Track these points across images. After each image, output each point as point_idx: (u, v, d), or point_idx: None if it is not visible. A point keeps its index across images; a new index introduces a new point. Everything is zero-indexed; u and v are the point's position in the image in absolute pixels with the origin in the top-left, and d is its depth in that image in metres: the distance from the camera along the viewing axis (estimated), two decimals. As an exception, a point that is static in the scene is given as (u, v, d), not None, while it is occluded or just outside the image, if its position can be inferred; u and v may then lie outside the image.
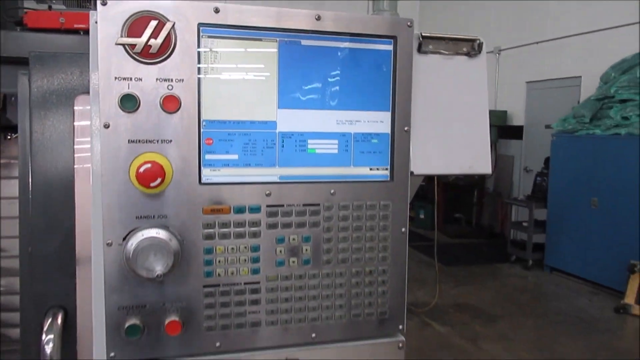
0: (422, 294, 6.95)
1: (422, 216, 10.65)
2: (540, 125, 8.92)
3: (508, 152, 9.88)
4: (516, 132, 9.61)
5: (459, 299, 6.88)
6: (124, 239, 1.09)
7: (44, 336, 1.35)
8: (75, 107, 1.37)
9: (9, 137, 2.40)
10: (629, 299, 6.34)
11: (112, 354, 1.11)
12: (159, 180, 1.06)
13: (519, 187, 9.66)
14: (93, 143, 1.12)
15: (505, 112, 9.68)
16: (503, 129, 9.64)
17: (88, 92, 1.27)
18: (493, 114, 9.50)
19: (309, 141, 1.20)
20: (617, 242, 6.82)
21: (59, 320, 1.37)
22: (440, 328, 5.92)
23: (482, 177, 10.24)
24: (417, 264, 8.40)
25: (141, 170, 1.05)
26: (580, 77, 8.22)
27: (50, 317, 1.37)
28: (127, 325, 1.10)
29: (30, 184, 1.43)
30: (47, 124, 1.35)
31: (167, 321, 1.13)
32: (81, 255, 1.37)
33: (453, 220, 10.51)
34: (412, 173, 1.28)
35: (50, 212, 1.41)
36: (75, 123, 1.28)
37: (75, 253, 1.38)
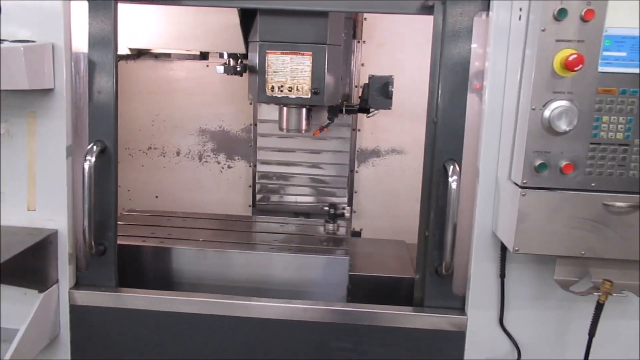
0: None
1: None
2: None
3: None
4: None
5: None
6: (543, 105, 1.68)
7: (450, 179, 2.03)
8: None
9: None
10: None
11: (524, 181, 1.73)
12: (580, 66, 1.61)
13: None
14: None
15: None
16: None
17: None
18: None
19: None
20: None
21: (456, 167, 2.03)
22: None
23: None
24: None
25: (570, 58, 1.61)
26: None
27: (450, 165, 2.04)
28: (538, 163, 1.71)
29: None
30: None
31: (563, 164, 1.70)
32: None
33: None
34: None
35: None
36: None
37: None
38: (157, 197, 3.66)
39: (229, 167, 3.60)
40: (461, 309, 2.14)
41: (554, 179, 1.73)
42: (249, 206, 3.61)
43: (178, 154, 3.60)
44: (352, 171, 3.49)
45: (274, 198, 3.47)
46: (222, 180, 3.62)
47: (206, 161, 3.60)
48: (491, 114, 1.96)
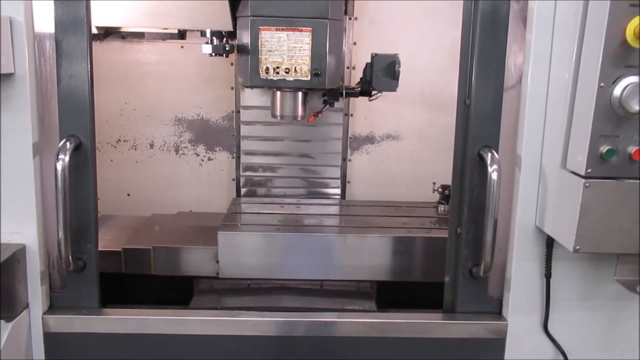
0: None
1: None
2: None
3: None
4: None
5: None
6: (613, 82, 1.44)
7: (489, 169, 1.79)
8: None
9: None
10: None
11: (589, 170, 1.50)
12: (659, 35, 1.38)
13: None
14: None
15: None
16: None
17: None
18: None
19: None
20: None
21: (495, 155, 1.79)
22: None
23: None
24: None
25: (648, 25, 1.38)
26: None
27: (488, 153, 1.80)
28: (605, 149, 1.48)
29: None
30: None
31: (633, 149, 1.48)
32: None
33: None
34: None
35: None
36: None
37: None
38: (129, 194, 3.29)
39: (209, 159, 3.26)
40: (498, 314, 1.92)
41: (622, 167, 1.50)
42: (233, 201, 3.29)
43: (151, 146, 3.22)
44: (344, 160, 3.22)
45: (261, 191, 3.17)
46: (202, 174, 3.28)
47: (184, 153, 3.24)
48: (534, 94, 1.73)
